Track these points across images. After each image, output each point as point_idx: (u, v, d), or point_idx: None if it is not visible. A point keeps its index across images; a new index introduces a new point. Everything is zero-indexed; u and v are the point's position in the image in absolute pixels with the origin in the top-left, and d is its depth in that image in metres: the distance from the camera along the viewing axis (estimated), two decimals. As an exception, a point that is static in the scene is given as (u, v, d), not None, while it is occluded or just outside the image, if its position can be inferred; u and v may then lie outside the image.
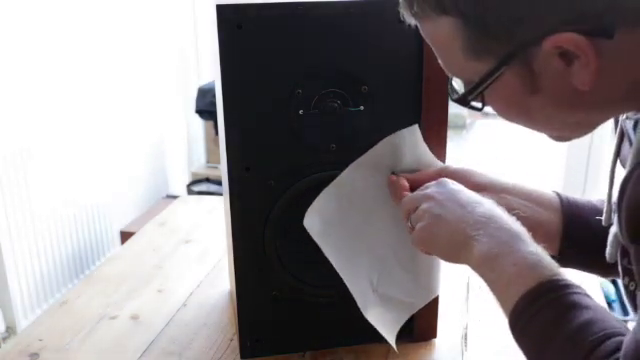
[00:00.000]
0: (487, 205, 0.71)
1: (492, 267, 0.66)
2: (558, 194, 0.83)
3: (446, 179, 0.76)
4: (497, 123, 5.23)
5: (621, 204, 0.57)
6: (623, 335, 0.55)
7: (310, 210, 0.83)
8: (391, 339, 0.85)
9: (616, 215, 0.60)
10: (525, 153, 4.57)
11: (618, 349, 0.54)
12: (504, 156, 4.56)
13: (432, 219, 0.73)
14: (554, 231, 0.80)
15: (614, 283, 2.63)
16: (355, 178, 0.84)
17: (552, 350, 0.58)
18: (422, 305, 0.89)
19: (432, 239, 0.73)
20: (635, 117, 0.65)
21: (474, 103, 0.64)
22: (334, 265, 0.83)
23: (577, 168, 2.80)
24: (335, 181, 0.84)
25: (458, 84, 0.65)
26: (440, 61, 0.65)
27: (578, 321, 0.57)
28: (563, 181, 2.86)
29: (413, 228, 0.75)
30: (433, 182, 0.77)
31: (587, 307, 0.58)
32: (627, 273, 0.65)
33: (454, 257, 0.72)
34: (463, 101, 0.64)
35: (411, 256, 0.80)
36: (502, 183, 0.82)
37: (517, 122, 0.66)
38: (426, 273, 0.87)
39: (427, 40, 0.65)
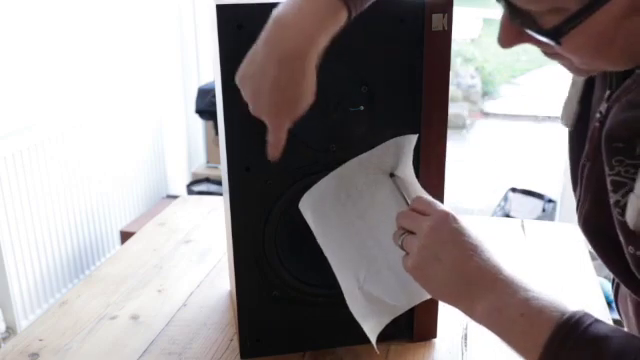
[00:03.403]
0: (485, 253, 0.70)
1: (499, 321, 0.66)
2: None
3: (451, 215, 0.73)
4: (497, 123, 5.24)
5: None
6: None
7: (307, 195, 0.83)
8: (372, 338, 0.84)
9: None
10: (525, 153, 4.57)
11: None
12: (504, 156, 4.57)
13: (426, 261, 0.72)
14: None
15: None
16: (355, 173, 0.84)
17: None
18: (405, 309, 0.88)
19: (425, 281, 0.73)
20: None
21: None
22: (325, 254, 0.83)
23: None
24: (335, 172, 0.83)
25: (540, 19, 0.56)
26: None
27: (609, 355, 0.57)
28: (563, 181, 2.87)
29: (402, 247, 0.76)
30: (438, 211, 0.74)
31: (607, 336, 0.58)
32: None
33: (449, 303, 0.72)
34: (556, 34, 0.55)
35: (400, 260, 0.80)
36: None
37: (592, 55, 0.58)
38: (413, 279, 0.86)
39: None
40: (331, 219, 0.85)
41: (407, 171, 0.85)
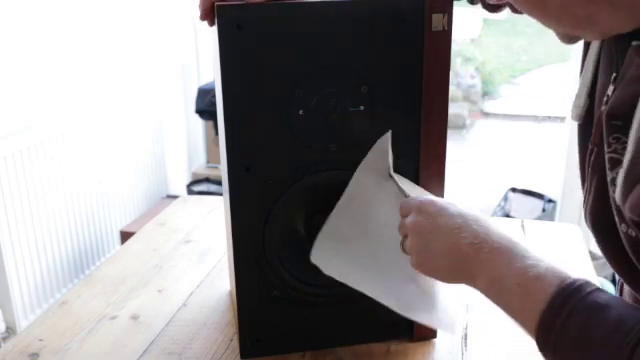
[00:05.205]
0: (472, 226, 0.69)
1: (497, 292, 0.65)
2: None
3: (425, 202, 0.74)
4: (497, 123, 5.24)
5: None
6: None
7: (314, 250, 0.82)
8: (450, 329, 0.81)
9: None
10: (525, 153, 4.58)
11: None
12: (504, 156, 4.57)
13: (422, 256, 0.72)
14: None
15: (614, 283, 2.63)
16: (358, 192, 0.83)
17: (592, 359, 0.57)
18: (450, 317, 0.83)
19: (431, 273, 0.73)
20: None
21: None
22: (360, 290, 0.80)
23: (577, 168, 2.79)
24: (334, 211, 0.82)
25: None
26: None
27: (606, 324, 0.56)
28: (563, 181, 2.87)
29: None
30: (413, 206, 0.74)
31: (607, 305, 0.57)
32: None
33: (459, 282, 0.71)
34: None
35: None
36: None
37: (530, 11, 0.61)
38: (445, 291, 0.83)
39: None
40: (349, 257, 0.83)
41: (390, 167, 0.84)
